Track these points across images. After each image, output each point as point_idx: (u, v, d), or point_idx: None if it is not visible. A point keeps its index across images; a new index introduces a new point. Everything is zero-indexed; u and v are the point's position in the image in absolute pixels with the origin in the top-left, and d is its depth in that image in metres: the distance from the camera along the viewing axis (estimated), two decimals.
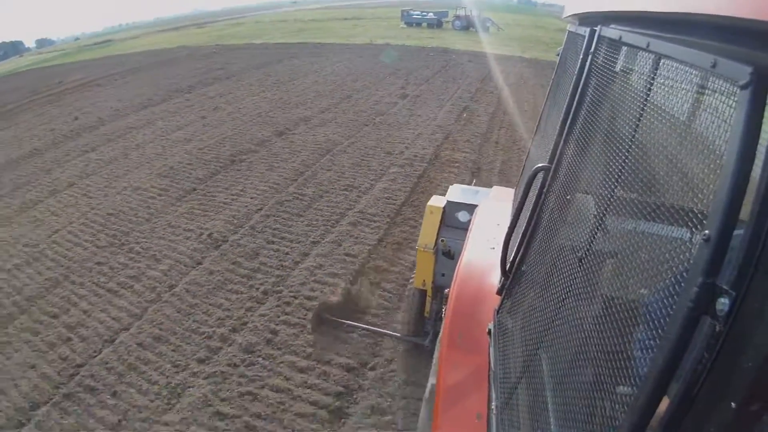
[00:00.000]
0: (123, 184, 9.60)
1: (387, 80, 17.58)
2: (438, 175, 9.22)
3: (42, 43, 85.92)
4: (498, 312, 2.03)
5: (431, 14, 41.28)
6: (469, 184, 6.95)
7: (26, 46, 76.36)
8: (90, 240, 7.48)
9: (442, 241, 4.08)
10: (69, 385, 4.68)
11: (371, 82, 17.51)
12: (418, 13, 42.26)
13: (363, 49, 26.49)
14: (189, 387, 4.56)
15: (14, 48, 68.66)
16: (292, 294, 5.77)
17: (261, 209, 8.00)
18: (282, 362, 4.78)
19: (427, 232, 4.18)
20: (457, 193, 4.35)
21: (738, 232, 0.67)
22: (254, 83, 18.52)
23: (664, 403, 0.73)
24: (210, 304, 5.71)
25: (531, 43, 27.94)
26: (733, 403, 0.65)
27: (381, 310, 5.46)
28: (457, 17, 39.50)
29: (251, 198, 8.47)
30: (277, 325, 5.28)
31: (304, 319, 5.29)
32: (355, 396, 4.42)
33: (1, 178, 10.78)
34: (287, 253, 6.66)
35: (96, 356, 5.01)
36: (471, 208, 3.82)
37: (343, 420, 4.19)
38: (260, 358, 4.84)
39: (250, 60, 24.55)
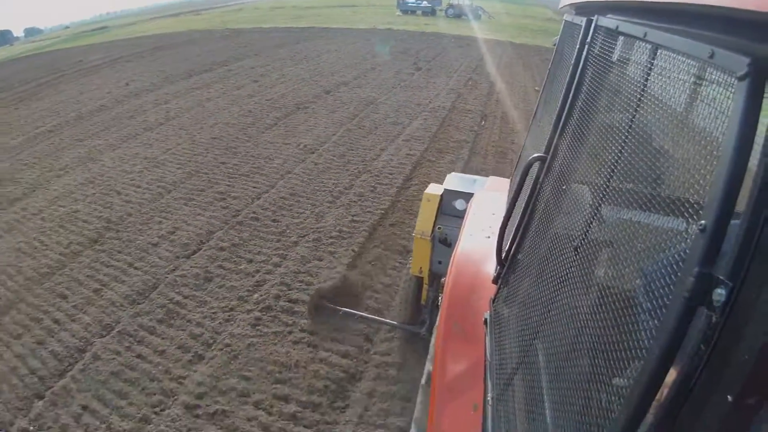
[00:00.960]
0: (212, 121, 12.11)
1: (400, 57, 20.17)
2: (457, 117, 12.23)
3: (30, 31, 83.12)
4: (494, 301, 2.03)
5: (425, 2, 42.48)
6: (481, 125, 11.21)
7: (15, 35, 73.56)
8: (205, 152, 10.02)
9: (439, 228, 4.09)
10: (237, 218, 7.21)
11: (385, 60, 19.86)
12: (413, 1, 42.95)
13: (369, 33, 28.58)
14: (327, 214, 7.25)
15: (3, 37, 65.97)
16: (378, 171, 8.72)
17: (335, 134, 10.80)
18: (382, 198, 7.71)
19: (424, 219, 4.18)
20: (454, 181, 4.35)
21: (734, 222, 0.67)
22: (285, 58, 20.81)
23: (661, 394, 0.73)
24: (323, 179, 8.47)
25: (520, 30, 30.17)
26: (729, 394, 0.65)
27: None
28: (451, 5, 41.10)
29: (324, 128, 11.25)
30: (374, 185, 8.18)
31: (391, 184, 8.22)
32: None
33: (90, 119, 13.21)
34: (367, 153, 9.64)
35: (249, 205, 7.62)
36: (468, 196, 3.80)
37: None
38: (368, 201, 7.66)
39: (268, 41, 26.44)
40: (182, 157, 9.75)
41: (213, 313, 5.25)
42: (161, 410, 4.14)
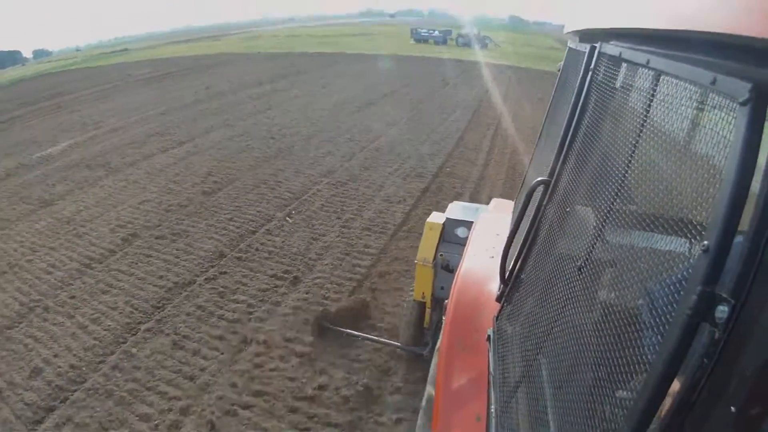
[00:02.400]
0: (314, 107, 16.62)
1: (429, 77, 24.21)
2: (484, 112, 16.46)
3: (39, 53, 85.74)
4: (497, 318, 2.05)
5: (437, 32, 47.62)
6: (500, 116, 15.35)
7: (24, 56, 75.75)
8: (328, 114, 15.47)
9: (441, 255, 4.13)
10: (363, 152, 11.54)
11: (418, 77, 23.98)
12: (426, 30, 48.68)
13: (393, 58, 32.72)
14: (421, 148, 11.78)
15: (11, 57, 68.04)
16: (442, 133, 13.43)
17: (403, 119, 15.08)
18: (448, 140, 12.30)
19: (427, 247, 4.23)
20: (456, 210, 4.41)
21: (737, 241, 0.68)
22: (332, 75, 24.91)
23: (664, 409, 0.74)
24: (407, 137, 12.85)
25: (524, 57, 33.90)
26: (732, 409, 0.66)
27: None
28: (460, 35, 46.00)
29: (394, 115, 15.41)
30: (442, 138, 12.83)
31: (452, 137, 12.78)
32: None
33: (196, 107, 17.43)
34: (431, 126, 14.14)
35: (365, 148, 11.82)
36: (470, 224, 3.83)
37: None
38: (443, 143, 12.35)
39: (308, 62, 30.88)
40: (307, 123, 14.46)
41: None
42: None
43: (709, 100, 0.85)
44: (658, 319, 0.80)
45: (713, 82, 0.78)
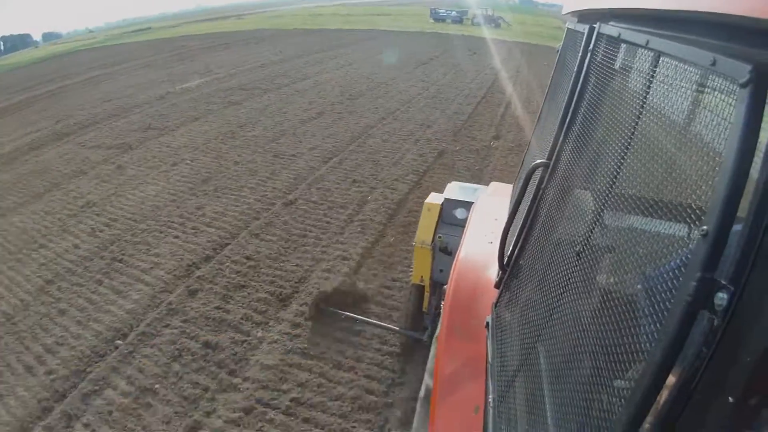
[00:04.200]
0: (381, 67, 20.52)
1: (457, 48, 26.87)
2: (506, 70, 19.60)
3: (49, 36, 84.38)
4: (496, 305, 2.03)
5: (454, 12, 49.86)
6: (515, 80, 17.79)
7: (34, 39, 75.23)
8: (395, 69, 19.45)
9: (440, 237, 4.07)
10: (411, 103, 14.40)
11: (448, 48, 26.93)
12: (444, 10, 50.28)
13: (422, 34, 35.16)
14: (452, 101, 14.60)
15: (22, 41, 67.85)
16: (476, 86, 16.60)
17: (445, 76, 18.48)
18: (478, 92, 15.69)
19: (425, 229, 4.16)
20: (454, 190, 4.33)
21: (736, 227, 0.67)
22: (375, 47, 27.73)
23: (662, 397, 0.74)
24: (448, 91, 15.75)
25: (534, 35, 35.91)
26: (731, 397, 0.65)
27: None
28: (476, 15, 48.26)
29: (440, 75, 18.77)
30: (472, 90, 15.97)
31: (483, 86, 16.42)
32: None
33: (283, 65, 21.55)
34: (466, 81, 17.36)
35: (412, 99, 14.67)
36: (468, 205, 3.77)
37: None
38: (471, 96, 15.20)
39: (350, 37, 33.33)
40: (385, 74, 18.68)
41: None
42: None
43: (708, 81, 0.84)
44: (656, 307, 0.79)
45: (713, 64, 0.77)
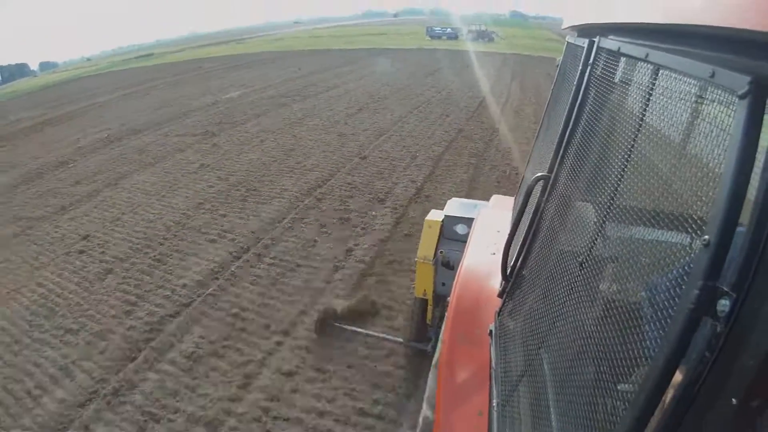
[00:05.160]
0: (394, 77, 23.69)
1: (457, 61, 29.83)
2: (503, 76, 23.63)
3: (45, 65, 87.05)
4: (499, 314, 2.05)
5: (449, 29, 54.44)
6: (511, 80, 22.45)
7: (31, 68, 77.27)
8: (407, 79, 23.19)
9: (441, 252, 4.15)
10: (442, 94, 19.47)
11: (449, 61, 29.63)
12: (439, 28, 55.33)
13: (421, 51, 38.66)
14: (474, 88, 20.16)
15: (20, 70, 70.09)
16: (483, 87, 19.97)
17: (453, 83, 21.45)
18: (468, 83, 20.98)
19: (426, 245, 4.25)
20: (454, 207, 4.41)
21: (738, 234, 0.68)
22: (387, 61, 31.13)
23: (666, 402, 0.74)
24: (461, 91, 19.54)
25: (526, 48, 39.21)
26: (733, 402, 0.66)
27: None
28: (470, 31, 52.50)
29: (449, 80, 22.34)
30: (476, 88, 20.01)
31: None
32: None
33: (306, 78, 24.93)
34: (473, 82, 21.19)
35: (441, 92, 19.69)
36: (469, 221, 3.86)
37: None
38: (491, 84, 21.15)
39: (356, 55, 36.41)
40: (399, 83, 21.93)
41: None
42: None
43: (708, 93, 0.85)
44: (659, 314, 0.79)
45: (712, 76, 0.78)
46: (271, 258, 6.84)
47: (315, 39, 59.71)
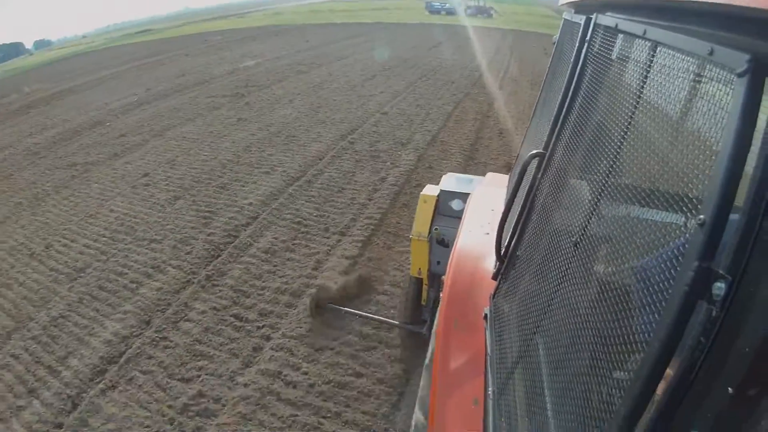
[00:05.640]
0: (401, 49, 24.89)
1: (456, 35, 31.06)
2: (502, 51, 24.35)
3: (40, 44, 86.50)
4: (494, 297, 2.03)
5: (448, 5, 55.34)
6: (510, 54, 23.31)
7: (26, 47, 76.70)
8: (414, 51, 24.33)
9: (436, 229, 4.08)
10: (443, 64, 20.79)
11: (449, 35, 31.01)
12: (438, 3, 56.08)
13: (422, 26, 39.82)
14: (476, 56, 22.34)
15: (15, 49, 69.38)
16: (479, 51, 23.26)
17: (454, 55, 22.55)
18: (469, 55, 22.72)
19: (421, 221, 4.17)
20: (450, 182, 4.33)
21: (733, 216, 0.67)
22: (389, 35, 32.44)
23: (661, 388, 0.74)
24: (462, 55, 22.67)
25: (524, 24, 39.84)
26: (730, 388, 0.66)
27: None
28: (468, 7, 53.70)
29: (453, 51, 23.68)
30: (476, 54, 22.76)
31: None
32: None
33: (316, 50, 26.00)
34: (477, 52, 22.84)
35: (446, 62, 21.17)
36: (465, 196, 3.79)
37: None
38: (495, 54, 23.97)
39: (359, 29, 37.22)
40: (406, 54, 23.12)
41: None
42: None
43: (706, 71, 0.84)
44: (654, 297, 0.79)
45: (711, 53, 0.77)
46: (319, 184, 8.43)
47: (315, 13, 59.81)
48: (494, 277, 2.06)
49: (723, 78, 0.74)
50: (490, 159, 9.29)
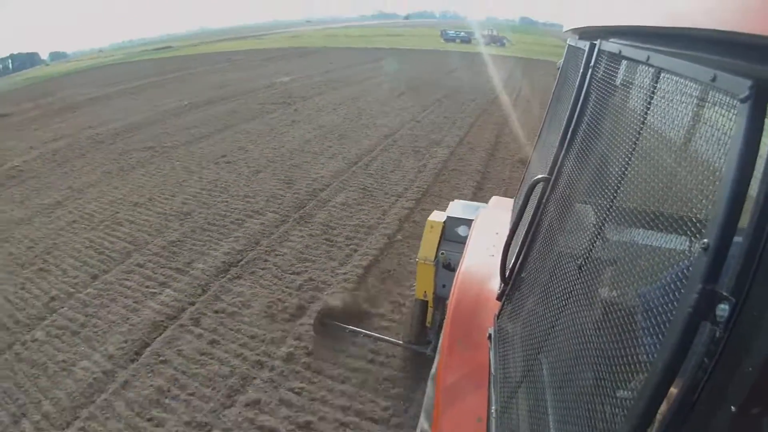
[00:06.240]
0: (421, 72, 27.16)
1: (473, 62, 32.93)
2: (514, 76, 26.50)
3: (56, 55, 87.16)
4: (498, 317, 2.05)
5: (463, 33, 58.47)
6: (522, 78, 25.67)
7: (42, 57, 77.11)
8: (431, 74, 26.34)
9: (442, 254, 4.15)
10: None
11: (465, 62, 32.72)
12: (453, 32, 59.28)
13: (438, 52, 42.80)
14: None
15: (30, 59, 70.41)
16: (494, 79, 24.26)
17: (475, 76, 25.14)
18: (486, 79, 24.50)
19: (428, 246, 4.24)
20: (457, 208, 4.40)
21: (737, 239, 0.68)
22: (409, 60, 34.79)
23: (664, 408, 0.74)
24: (478, 73, 26.97)
25: (534, 53, 42.28)
26: (732, 408, 0.66)
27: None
28: (483, 35, 56.19)
29: (469, 74, 26.20)
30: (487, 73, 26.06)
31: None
32: None
33: (349, 71, 28.68)
34: (492, 77, 24.47)
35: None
36: (471, 223, 3.81)
37: None
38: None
39: (377, 53, 39.95)
40: (427, 76, 25.02)
41: None
42: None
43: (709, 97, 0.86)
44: (658, 318, 0.79)
45: (713, 79, 0.78)
46: (375, 167, 10.66)
47: (332, 38, 63.79)
48: (498, 298, 2.09)
49: (726, 103, 0.75)
50: (508, 155, 11.38)
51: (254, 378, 4.69)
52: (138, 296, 6.06)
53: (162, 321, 5.55)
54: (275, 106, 17.47)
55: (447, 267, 4.14)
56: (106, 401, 4.56)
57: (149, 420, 4.32)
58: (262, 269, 6.51)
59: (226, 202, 8.77)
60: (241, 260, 6.72)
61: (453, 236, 4.21)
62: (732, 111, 0.73)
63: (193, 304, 5.82)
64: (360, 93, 20.02)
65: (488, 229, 3.14)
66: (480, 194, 8.93)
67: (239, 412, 4.32)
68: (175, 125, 15.18)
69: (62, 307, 6.00)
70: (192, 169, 10.77)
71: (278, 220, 7.97)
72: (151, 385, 4.67)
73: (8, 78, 47.58)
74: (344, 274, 6.32)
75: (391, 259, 6.76)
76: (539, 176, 1.84)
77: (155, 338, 5.31)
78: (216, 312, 5.66)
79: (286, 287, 6.07)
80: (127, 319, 5.66)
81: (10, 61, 68.86)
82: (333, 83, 22.88)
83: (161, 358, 5.02)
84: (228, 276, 6.36)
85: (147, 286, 6.27)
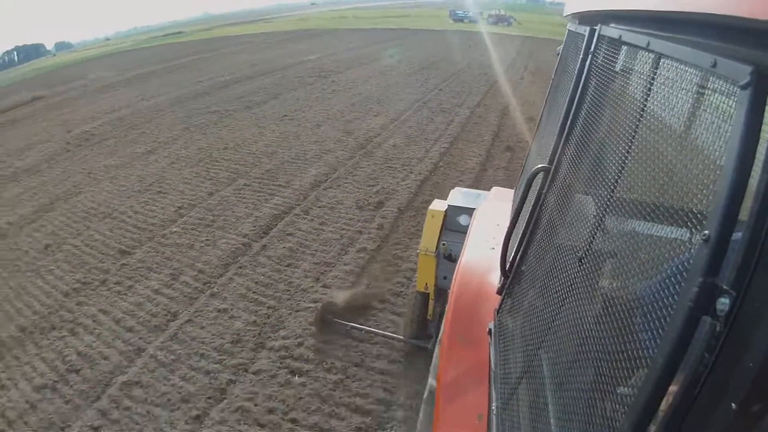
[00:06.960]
0: (436, 49, 28.96)
1: (482, 41, 33.35)
2: (521, 54, 27.98)
3: (61, 45, 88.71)
4: (498, 312, 2.04)
5: (471, 13, 59.36)
6: (528, 56, 27.24)
7: (47, 48, 78.92)
8: (448, 51, 28.29)
9: (443, 244, 4.10)
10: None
11: (474, 41, 33.68)
12: (461, 12, 59.52)
13: (447, 32, 42.41)
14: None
15: (36, 50, 72.13)
16: (502, 56, 25.49)
17: (486, 53, 26.10)
18: (494, 57, 24.60)
19: (429, 236, 4.20)
20: (458, 197, 4.35)
21: (738, 232, 0.67)
22: (421, 39, 36.25)
23: (665, 404, 0.73)
24: (480, 51, 27.71)
25: (541, 32, 42.77)
26: (733, 403, 0.65)
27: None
28: (490, 15, 57.29)
29: (481, 51, 27.47)
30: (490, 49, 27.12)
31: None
32: None
33: (372, 47, 31.53)
34: (500, 55, 25.07)
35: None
36: (472, 212, 3.77)
37: None
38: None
39: (388, 34, 41.33)
40: (443, 53, 27.08)
41: None
42: None
43: (709, 83, 0.84)
44: (659, 312, 0.78)
45: (714, 65, 0.77)
46: (412, 122, 13.20)
47: (341, 19, 65.50)
48: (499, 292, 2.07)
49: (726, 90, 0.74)
50: (518, 115, 13.35)
51: (358, 239, 7.08)
52: (255, 201, 8.45)
53: (279, 214, 7.90)
54: (313, 78, 19.89)
55: (448, 258, 4.09)
56: (250, 258, 6.69)
57: (288, 265, 6.50)
58: (346, 183, 9.14)
59: (299, 146, 11.38)
60: (327, 179, 9.31)
61: (454, 225, 4.18)
62: (732, 97, 0.71)
63: (299, 204, 8.24)
64: (384, 68, 22.19)
65: (488, 220, 3.12)
66: (497, 142, 11.29)
67: (352, 257, 6.62)
68: (225, 96, 17.36)
69: (189, 213, 8.10)
70: (262, 125, 13.42)
71: (347, 156, 10.58)
72: (284, 247, 6.89)
73: (16, 69, 49.14)
74: (407, 184, 8.96)
75: (437, 176, 9.43)
76: (539, 166, 1.83)
77: (277, 224, 7.58)
78: (319, 207, 8.13)
79: (366, 192, 8.65)
80: (251, 214, 7.94)
81: (15, 53, 70.48)
82: (358, 60, 25.04)
83: (287, 233, 7.31)
84: (322, 188, 8.94)
85: (259, 196, 8.69)
